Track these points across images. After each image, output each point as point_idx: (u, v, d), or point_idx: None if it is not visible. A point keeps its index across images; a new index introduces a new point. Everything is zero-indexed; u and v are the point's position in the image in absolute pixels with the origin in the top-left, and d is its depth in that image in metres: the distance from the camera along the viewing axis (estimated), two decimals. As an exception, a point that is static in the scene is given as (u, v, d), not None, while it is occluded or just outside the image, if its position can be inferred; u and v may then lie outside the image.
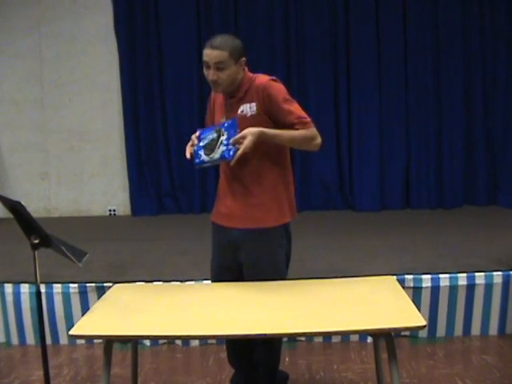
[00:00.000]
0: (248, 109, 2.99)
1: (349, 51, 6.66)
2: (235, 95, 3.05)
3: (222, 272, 3.17)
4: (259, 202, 3.05)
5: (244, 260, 3.09)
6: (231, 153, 2.84)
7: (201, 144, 2.97)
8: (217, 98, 3.18)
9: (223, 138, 2.89)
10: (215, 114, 3.17)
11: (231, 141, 2.85)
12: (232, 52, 2.94)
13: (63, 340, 4.36)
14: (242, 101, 3.02)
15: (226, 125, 2.92)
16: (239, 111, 3.00)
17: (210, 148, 2.92)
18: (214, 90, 3.08)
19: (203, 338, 3.91)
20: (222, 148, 2.88)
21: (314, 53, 6.66)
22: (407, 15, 6.60)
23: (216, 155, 2.90)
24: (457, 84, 6.63)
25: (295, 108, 3.02)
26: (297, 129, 2.97)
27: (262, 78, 3.04)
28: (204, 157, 2.94)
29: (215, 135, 2.93)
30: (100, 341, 3.98)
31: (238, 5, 6.65)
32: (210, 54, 2.93)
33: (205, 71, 3.00)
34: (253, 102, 2.98)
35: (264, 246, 3.06)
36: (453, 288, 4.22)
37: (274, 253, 3.09)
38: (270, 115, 2.98)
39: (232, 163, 2.86)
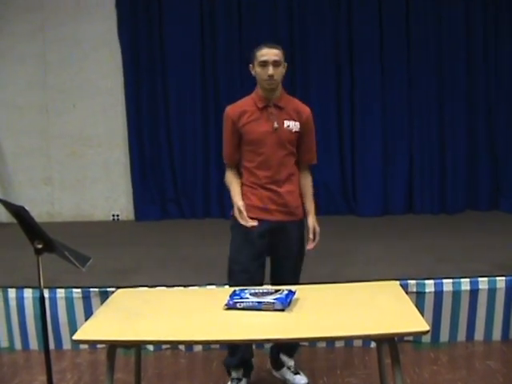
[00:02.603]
0: (293, 125, 3.40)
1: (352, 57, 6.69)
2: (278, 103, 3.40)
3: (253, 260, 3.39)
4: (295, 197, 3.51)
5: (278, 245, 3.46)
6: (288, 300, 2.76)
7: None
8: (245, 114, 3.39)
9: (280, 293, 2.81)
10: (253, 126, 3.38)
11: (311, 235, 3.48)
12: (283, 52, 3.37)
13: (66, 345, 4.36)
14: (282, 112, 3.40)
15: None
16: (285, 125, 3.39)
17: (261, 295, 2.81)
18: (267, 86, 3.33)
19: (206, 343, 3.91)
20: (278, 296, 2.78)
21: (316, 58, 6.69)
22: (410, 19, 6.61)
23: (268, 299, 2.75)
24: (460, 89, 6.63)
25: (315, 147, 3.57)
26: (305, 162, 3.56)
27: (305, 106, 3.51)
28: (250, 297, 2.78)
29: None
30: (103, 346, 3.98)
31: (242, 9, 6.67)
32: (268, 51, 3.31)
33: (260, 71, 3.32)
34: (297, 121, 3.41)
35: (299, 234, 3.50)
36: (456, 293, 4.21)
37: (304, 239, 3.53)
38: (300, 136, 3.45)
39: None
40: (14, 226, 2.83)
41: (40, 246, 2.71)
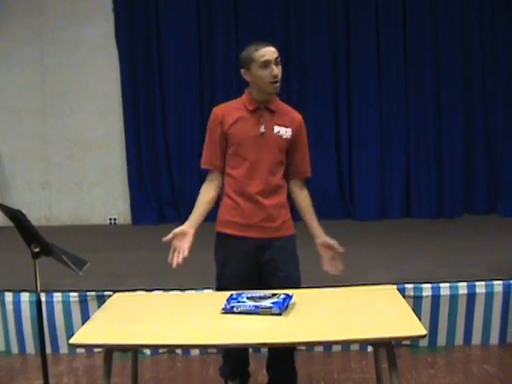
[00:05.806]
0: (284, 132, 3.16)
1: (349, 63, 6.70)
2: (269, 106, 3.16)
3: (242, 278, 3.19)
4: (281, 211, 3.25)
5: (269, 261, 3.21)
6: (285, 304, 2.74)
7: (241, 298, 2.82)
8: (233, 115, 3.16)
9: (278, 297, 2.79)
10: (240, 128, 3.14)
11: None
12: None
13: (63, 349, 4.35)
14: (274, 116, 3.16)
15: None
16: (275, 130, 3.15)
17: (258, 299, 2.79)
18: (273, 90, 3.11)
19: (203, 347, 3.90)
20: (275, 300, 2.76)
21: (314, 63, 6.69)
22: (407, 16, 6.63)
23: (265, 303, 2.73)
24: (456, 93, 6.64)
25: (309, 158, 3.34)
26: (300, 175, 3.34)
27: (296, 112, 3.27)
28: (247, 301, 2.76)
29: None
30: (100, 350, 3.95)
31: (239, 14, 6.69)
32: (269, 50, 3.06)
33: (262, 73, 3.05)
34: (288, 127, 3.17)
35: (291, 250, 3.29)
36: (453, 297, 4.22)
37: (297, 256, 3.33)
38: (291, 145, 3.21)
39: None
40: (11, 229, 2.83)
41: (37, 250, 2.70)
